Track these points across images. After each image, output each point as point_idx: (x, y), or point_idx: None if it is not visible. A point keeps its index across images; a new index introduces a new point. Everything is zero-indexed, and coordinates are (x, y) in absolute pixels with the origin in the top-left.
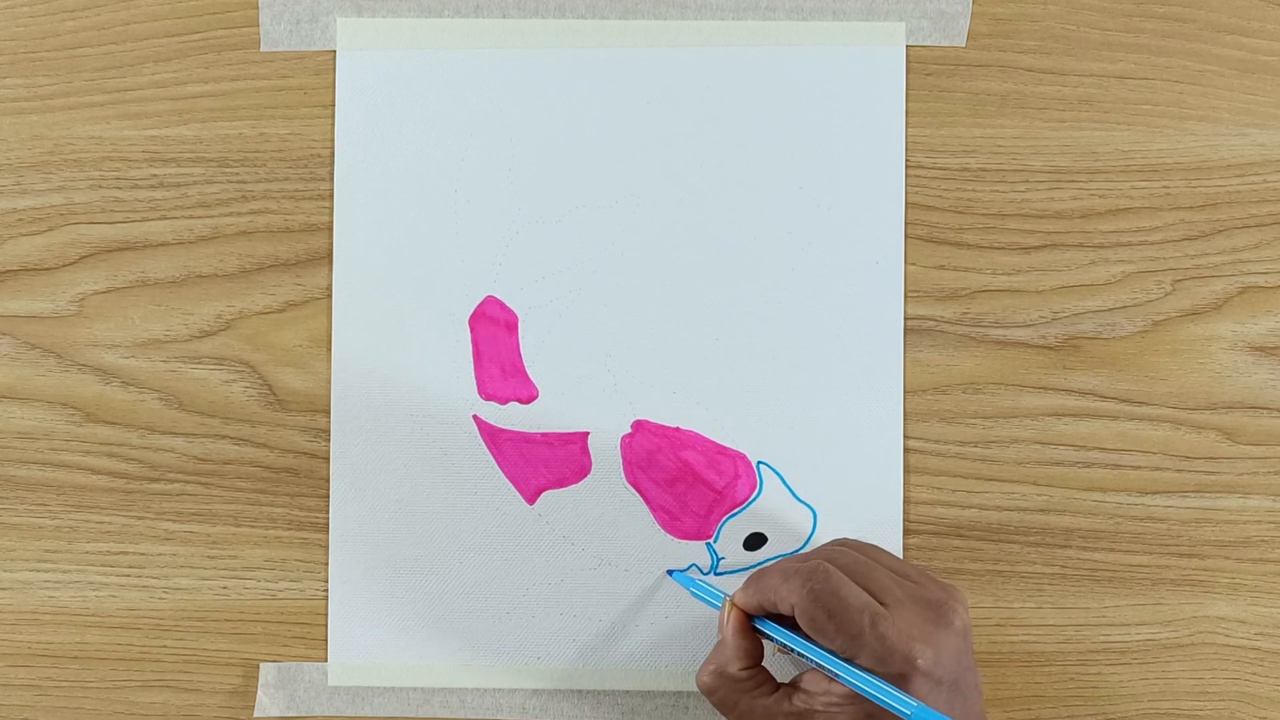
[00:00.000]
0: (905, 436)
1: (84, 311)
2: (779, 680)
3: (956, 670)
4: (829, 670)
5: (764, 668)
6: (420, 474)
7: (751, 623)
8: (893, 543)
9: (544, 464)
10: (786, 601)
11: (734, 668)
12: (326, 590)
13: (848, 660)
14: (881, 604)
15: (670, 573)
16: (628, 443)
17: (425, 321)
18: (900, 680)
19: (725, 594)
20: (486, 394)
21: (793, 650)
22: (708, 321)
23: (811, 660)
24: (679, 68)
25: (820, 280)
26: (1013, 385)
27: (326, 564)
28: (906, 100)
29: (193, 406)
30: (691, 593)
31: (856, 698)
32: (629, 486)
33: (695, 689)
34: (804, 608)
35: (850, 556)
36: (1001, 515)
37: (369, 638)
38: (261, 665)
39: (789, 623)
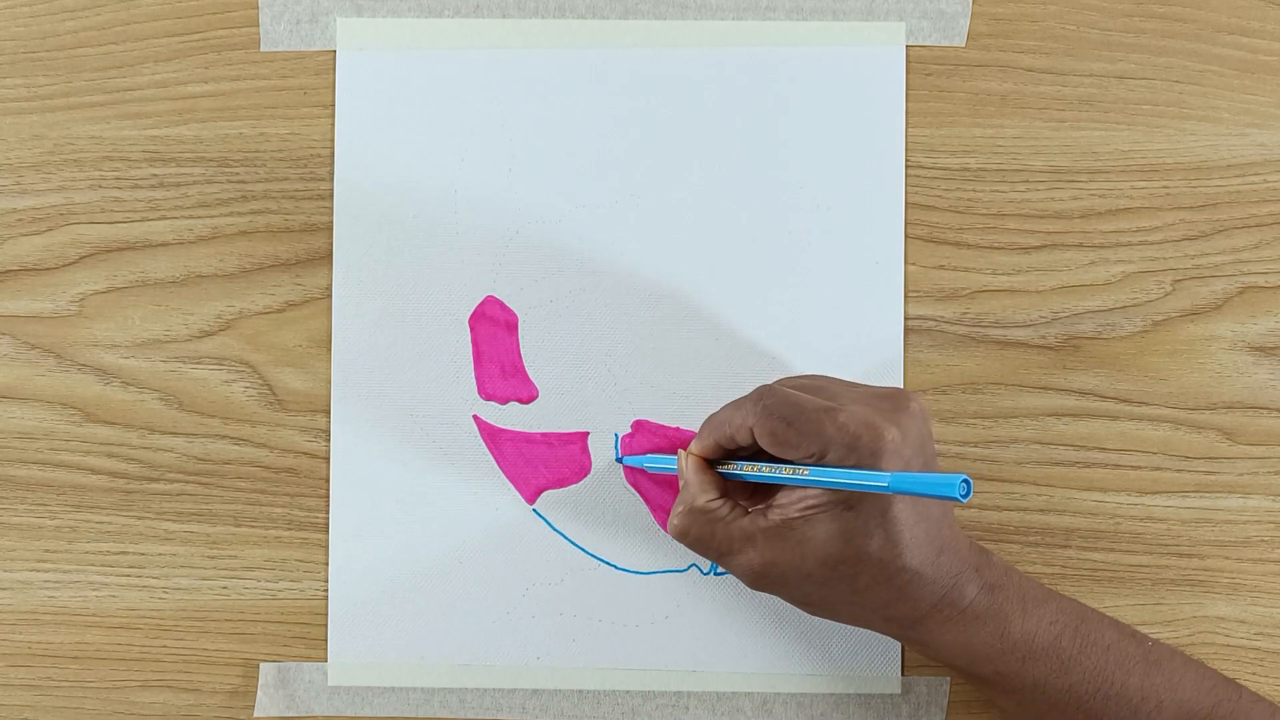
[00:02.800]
0: None
1: (84, 311)
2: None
3: (924, 453)
4: (800, 481)
5: (731, 497)
6: (420, 474)
7: (711, 466)
8: None
9: (544, 464)
10: (743, 427)
11: (702, 500)
12: (326, 590)
13: (816, 464)
14: (836, 405)
15: (619, 459)
16: (628, 443)
17: (425, 321)
18: (871, 464)
19: (678, 451)
20: (486, 394)
21: (758, 479)
22: (708, 321)
23: (781, 480)
24: (679, 68)
25: (820, 280)
26: (1013, 385)
27: (326, 564)
28: (906, 100)
29: (193, 406)
30: (647, 467)
31: (832, 496)
32: (629, 486)
33: (695, 689)
34: (762, 422)
35: (797, 378)
36: (1001, 515)
37: (369, 638)
38: (261, 665)
39: (747, 455)
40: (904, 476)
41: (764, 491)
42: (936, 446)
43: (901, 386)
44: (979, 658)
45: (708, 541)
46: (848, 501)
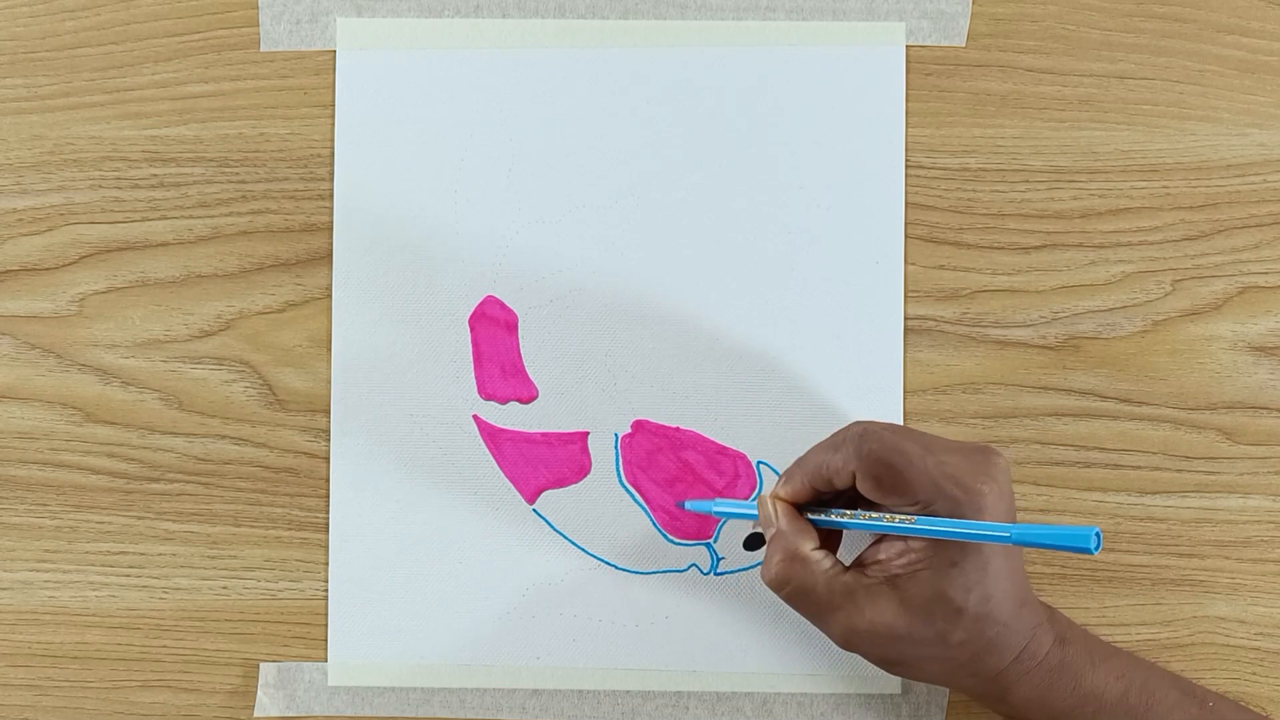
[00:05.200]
0: None
1: (84, 311)
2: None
3: (1011, 511)
4: (902, 530)
5: (832, 552)
6: (420, 474)
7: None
8: None
9: (544, 464)
10: (843, 471)
11: (805, 547)
12: (326, 590)
13: (921, 514)
14: (938, 455)
15: (680, 505)
16: (628, 443)
17: (425, 321)
18: (975, 515)
19: (754, 499)
20: (486, 394)
21: (862, 529)
22: (707, 321)
23: (889, 529)
24: (679, 68)
25: (820, 280)
26: (1013, 385)
27: (326, 564)
28: (906, 100)
29: (193, 406)
30: (715, 513)
31: (934, 550)
32: (629, 486)
33: (695, 689)
34: (866, 468)
35: (882, 423)
36: None
37: (369, 638)
38: (261, 665)
39: (837, 501)
40: (1029, 529)
41: (830, 544)
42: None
43: (983, 443)
44: (1055, 711)
45: (808, 594)
46: (951, 556)
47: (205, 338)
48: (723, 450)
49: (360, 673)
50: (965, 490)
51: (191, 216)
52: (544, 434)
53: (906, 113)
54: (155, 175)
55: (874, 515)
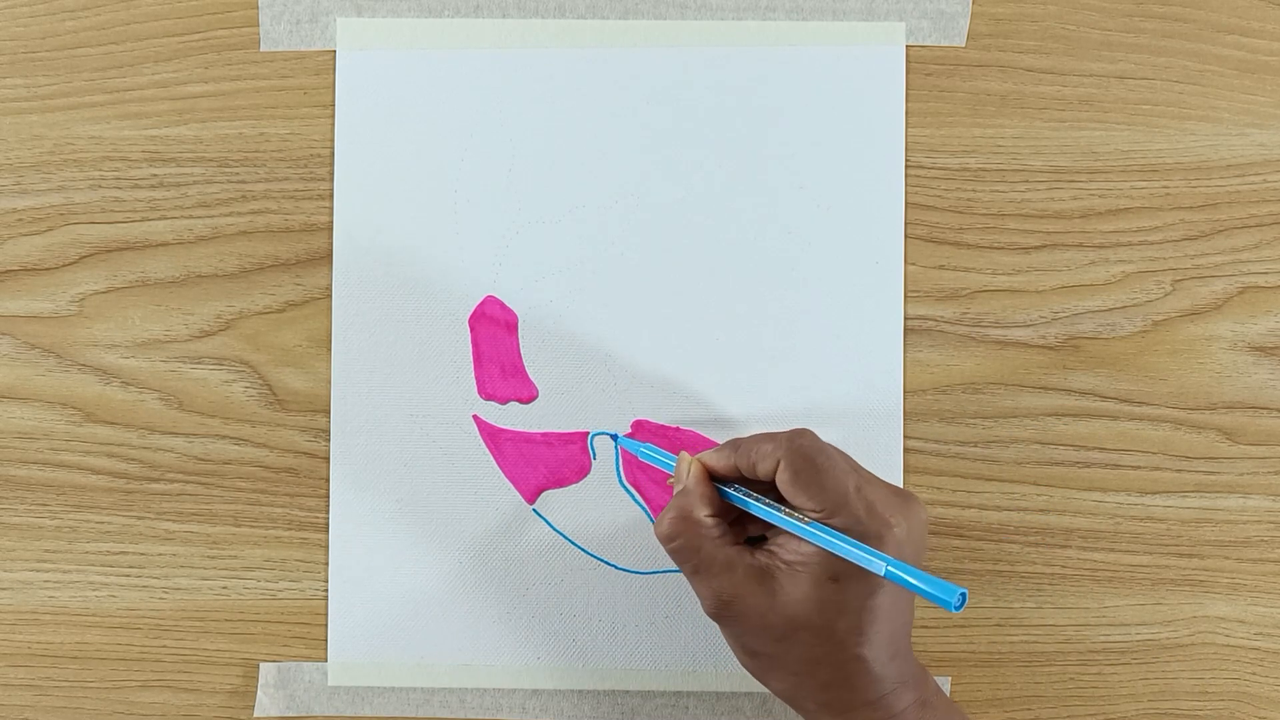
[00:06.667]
0: (905, 436)
1: (84, 311)
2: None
3: (920, 557)
4: (797, 530)
5: (725, 520)
6: (420, 474)
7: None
8: None
9: (544, 464)
10: (771, 457)
11: (701, 512)
12: (326, 590)
13: (822, 521)
14: (861, 475)
15: (616, 438)
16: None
17: (425, 321)
18: (876, 543)
19: (677, 455)
20: (486, 394)
21: (761, 514)
22: (707, 321)
23: (783, 523)
24: (679, 68)
25: (820, 280)
26: (1013, 385)
27: (326, 564)
28: (906, 100)
29: (193, 406)
30: (641, 454)
31: (822, 558)
32: (629, 486)
33: (695, 689)
34: (791, 460)
35: (827, 442)
36: (1001, 515)
37: (369, 638)
38: (261, 665)
39: (755, 489)
40: (906, 567)
41: (742, 527)
42: (937, 447)
43: (910, 492)
44: None
45: (689, 553)
46: (835, 573)
47: (205, 338)
48: None
49: (360, 673)
50: (871, 515)
51: (191, 216)
52: (544, 434)
53: (906, 113)
54: (155, 175)
55: (779, 508)
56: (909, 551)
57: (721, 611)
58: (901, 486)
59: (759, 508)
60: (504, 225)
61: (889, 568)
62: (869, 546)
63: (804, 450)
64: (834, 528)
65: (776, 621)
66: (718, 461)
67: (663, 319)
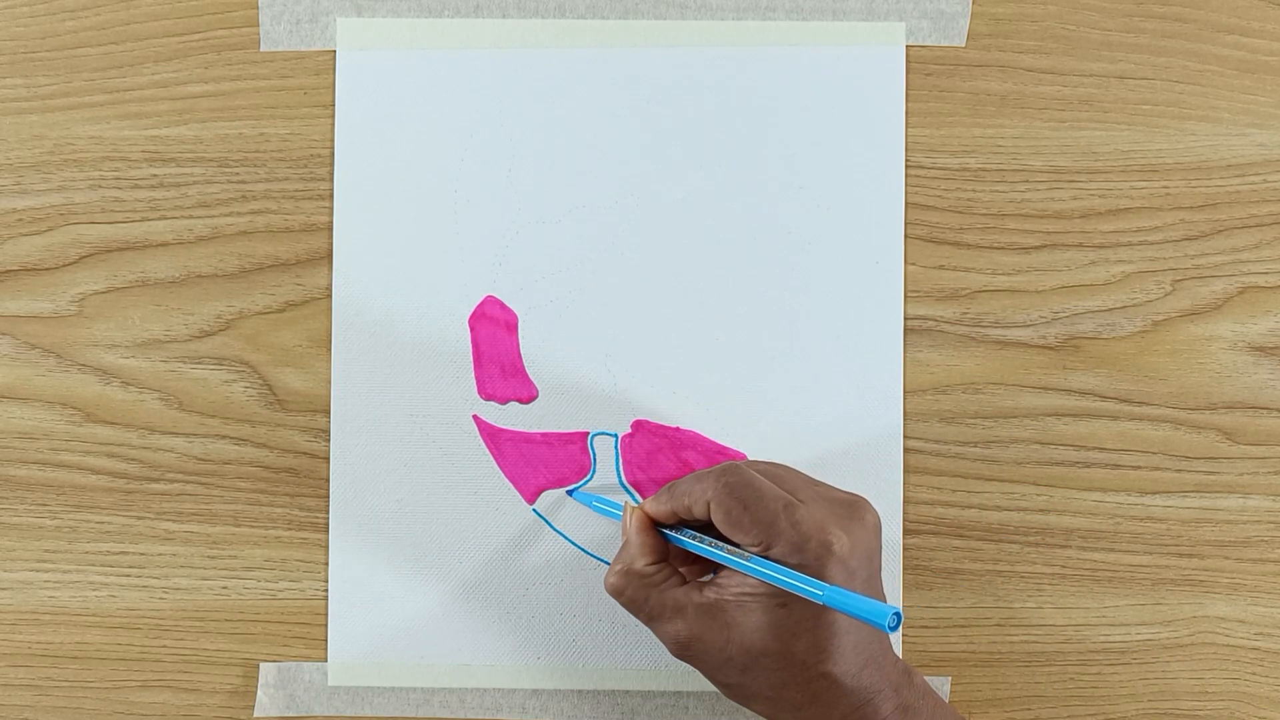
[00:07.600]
0: (905, 436)
1: (84, 311)
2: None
3: (870, 566)
4: (738, 566)
5: (670, 564)
6: (420, 474)
7: (656, 528)
8: (892, 541)
9: (544, 464)
10: (701, 499)
11: (640, 563)
12: (326, 590)
13: (762, 554)
14: (795, 500)
15: (570, 492)
16: (628, 443)
17: (425, 321)
18: (816, 568)
19: (625, 503)
20: (486, 394)
21: (702, 554)
22: (707, 321)
23: (723, 560)
24: (679, 68)
25: (820, 280)
26: (1013, 385)
27: (326, 564)
28: (906, 100)
29: (193, 406)
30: (593, 508)
31: (768, 587)
32: (629, 486)
33: (695, 689)
34: (720, 500)
35: (763, 465)
36: (1001, 515)
37: (369, 638)
38: (261, 665)
39: (699, 530)
40: (840, 593)
41: (705, 564)
42: (937, 447)
43: (859, 495)
44: None
45: (639, 604)
46: (783, 598)
47: (205, 338)
48: (722, 450)
49: (360, 673)
50: (808, 539)
51: (191, 216)
52: (544, 434)
53: (906, 113)
54: (155, 175)
55: (719, 546)
56: (855, 564)
57: (683, 653)
58: (850, 492)
59: (701, 548)
60: (504, 225)
61: (825, 595)
62: (808, 573)
63: (731, 487)
64: (773, 558)
65: (736, 653)
66: (657, 508)
67: (663, 319)
